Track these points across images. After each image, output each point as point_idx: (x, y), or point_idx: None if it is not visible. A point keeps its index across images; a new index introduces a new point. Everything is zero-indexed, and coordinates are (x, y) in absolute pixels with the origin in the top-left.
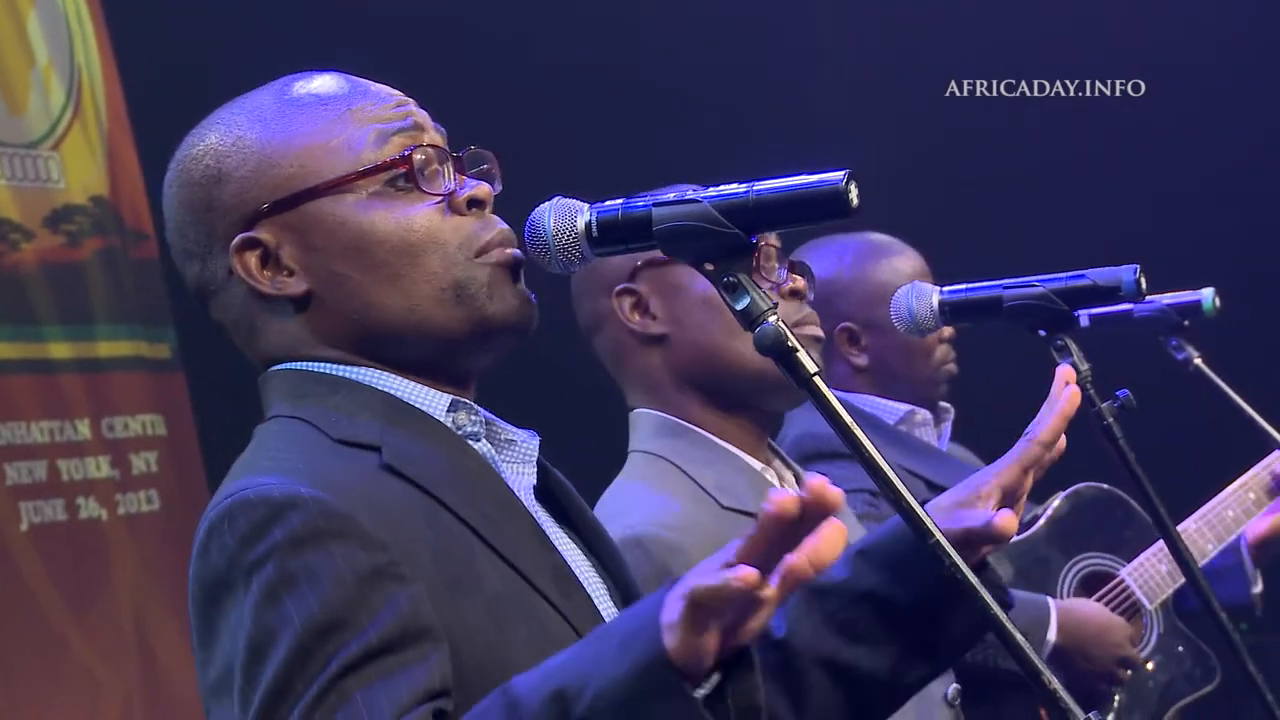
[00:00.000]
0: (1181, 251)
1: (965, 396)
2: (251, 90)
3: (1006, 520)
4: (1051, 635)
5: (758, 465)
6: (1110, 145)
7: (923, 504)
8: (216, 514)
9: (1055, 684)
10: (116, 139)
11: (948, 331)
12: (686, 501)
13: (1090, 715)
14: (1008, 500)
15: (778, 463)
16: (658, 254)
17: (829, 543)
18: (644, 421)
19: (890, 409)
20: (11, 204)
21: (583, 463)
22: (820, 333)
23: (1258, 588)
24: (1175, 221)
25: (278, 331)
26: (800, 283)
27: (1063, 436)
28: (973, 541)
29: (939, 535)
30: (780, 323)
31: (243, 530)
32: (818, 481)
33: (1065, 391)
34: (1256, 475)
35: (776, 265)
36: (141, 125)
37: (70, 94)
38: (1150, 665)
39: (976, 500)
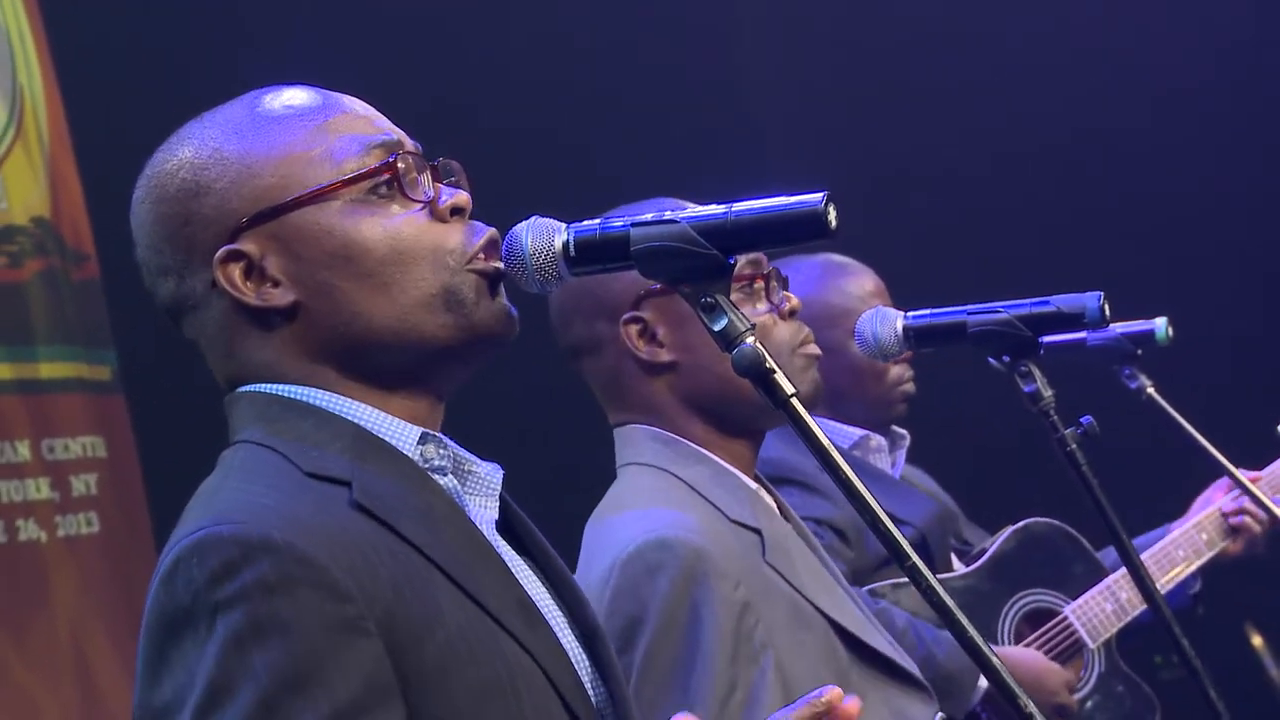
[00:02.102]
0: (1139, 279)
1: (920, 420)
2: (216, 106)
3: None
4: (983, 680)
5: (752, 485)
6: (1074, 173)
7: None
8: (186, 545)
9: (1031, 706)
10: (58, 160)
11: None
12: (698, 510)
13: None
14: None
15: (764, 490)
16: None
17: None
18: (638, 435)
19: (845, 433)
20: None
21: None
22: (819, 351)
23: (1196, 587)
24: (1132, 250)
25: (258, 347)
26: (796, 302)
27: None
28: None
29: (915, 558)
30: (758, 344)
31: (213, 568)
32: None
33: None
34: (1209, 514)
35: (777, 286)
36: (84, 146)
37: (12, 114)
38: (1089, 704)
39: None
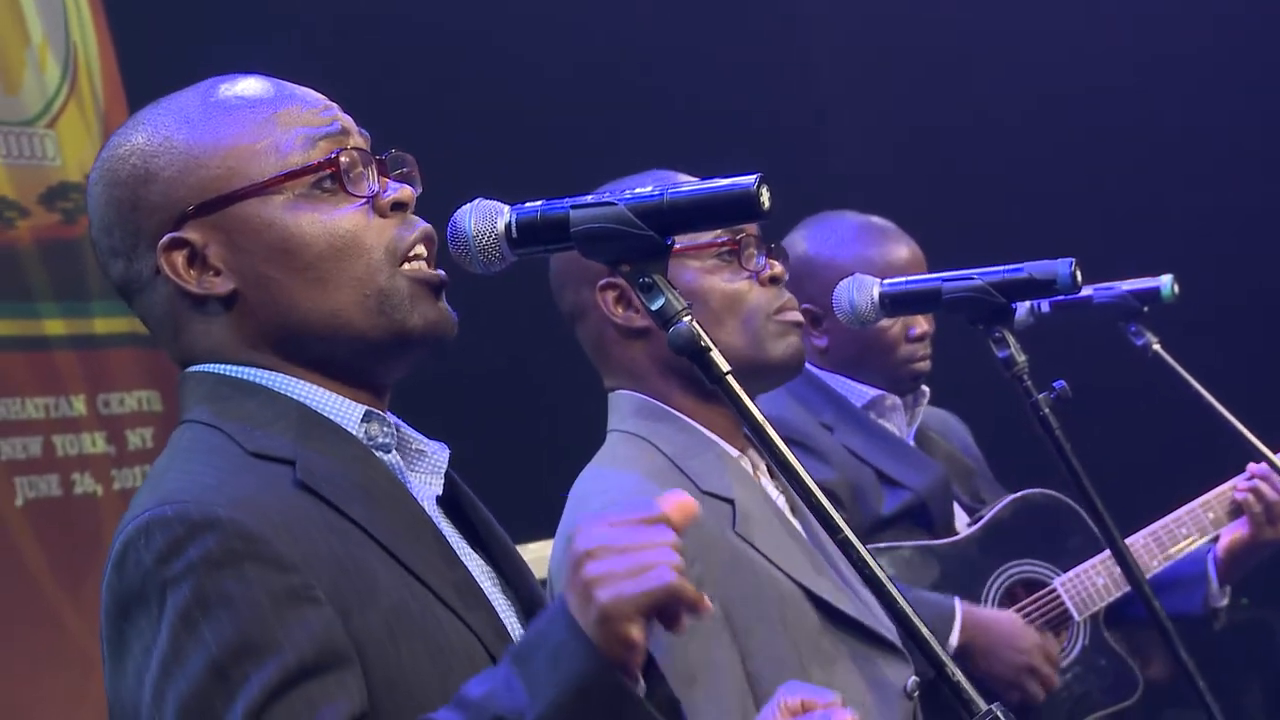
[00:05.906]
0: (1142, 239)
1: (952, 381)
2: (179, 90)
3: None
4: (954, 637)
5: (734, 452)
6: (1076, 136)
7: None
8: (134, 529)
9: (959, 675)
10: (112, 117)
11: (924, 328)
12: (666, 480)
13: (993, 707)
14: None
15: (752, 451)
16: None
17: None
18: (624, 402)
19: (859, 392)
20: (7, 182)
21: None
22: (800, 317)
23: (1222, 601)
24: (1137, 208)
25: (201, 332)
26: (779, 268)
27: None
28: None
29: (848, 532)
30: (694, 323)
31: (159, 548)
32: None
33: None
34: (1219, 494)
35: (755, 253)
36: (137, 103)
37: (66, 72)
38: (1069, 675)
39: None
